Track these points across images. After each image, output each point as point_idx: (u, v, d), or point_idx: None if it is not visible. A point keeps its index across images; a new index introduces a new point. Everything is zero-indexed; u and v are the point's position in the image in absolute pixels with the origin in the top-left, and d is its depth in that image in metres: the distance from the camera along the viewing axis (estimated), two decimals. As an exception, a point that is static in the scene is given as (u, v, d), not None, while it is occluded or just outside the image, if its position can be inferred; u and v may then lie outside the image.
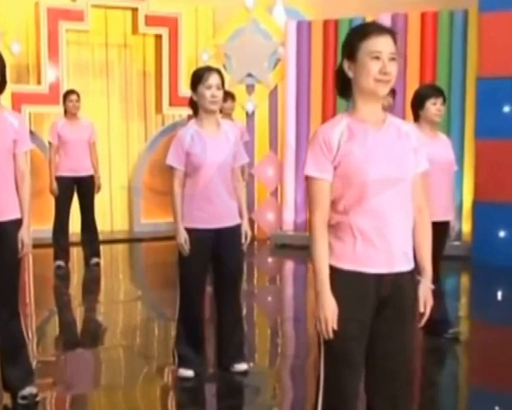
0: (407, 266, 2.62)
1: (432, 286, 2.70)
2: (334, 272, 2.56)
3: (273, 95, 9.99)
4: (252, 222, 9.89)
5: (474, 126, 8.32)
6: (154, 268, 8.55)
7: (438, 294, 5.23)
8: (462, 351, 5.34)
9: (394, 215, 2.55)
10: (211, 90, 4.21)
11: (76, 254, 8.25)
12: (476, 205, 8.21)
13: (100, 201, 8.75)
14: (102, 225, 9.44)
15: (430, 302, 2.68)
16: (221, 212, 4.29)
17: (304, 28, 9.56)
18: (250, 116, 9.98)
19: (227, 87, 9.16)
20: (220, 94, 4.25)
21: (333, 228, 2.59)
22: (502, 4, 7.92)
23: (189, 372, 4.45)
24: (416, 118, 5.08)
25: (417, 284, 2.66)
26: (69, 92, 7.85)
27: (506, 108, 7.97)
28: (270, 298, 7.15)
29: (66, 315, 6.35)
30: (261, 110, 10.01)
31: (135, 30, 10.01)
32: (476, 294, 7.32)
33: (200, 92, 4.23)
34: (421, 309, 2.67)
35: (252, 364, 4.81)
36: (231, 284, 4.47)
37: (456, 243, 8.21)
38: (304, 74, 9.52)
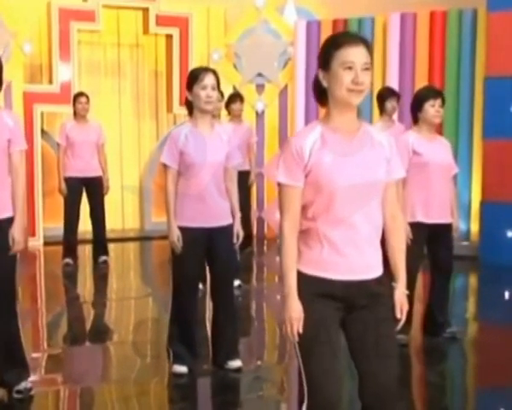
0: (374, 273, 2.62)
1: (406, 291, 2.70)
2: (302, 277, 2.58)
3: (283, 94, 10.01)
4: (261, 221, 9.96)
5: (482, 126, 8.32)
6: (164, 266, 8.56)
7: (446, 295, 5.30)
8: (470, 351, 5.36)
9: (362, 223, 2.56)
10: (206, 91, 4.25)
11: (86, 252, 8.33)
12: (484, 205, 8.20)
13: (111, 199, 8.81)
14: (114, 223, 9.53)
15: (406, 307, 2.68)
16: (213, 211, 4.33)
17: (313, 28, 9.60)
18: (260, 116, 10.02)
19: (237, 87, 9.25)
20: (215, 94, 4.30)
21: (302, 234, 2.61)
22: (510, 4, 7.89)
23: (183, 368, 4.49)
24: (416, 121, 5.07)
25: (392, 291, 2.66)
26: (78, 94, 7.92)
27: (514, 108, 7.96)
28: (279, 296, 7.19)
29: (74, 312, 6.41)
30: (271, 110, 10.05)
31: (146, 30, 10.05)
32: (484, 294, 7.32)
33: (196, 92, 4.27)
34: (398, 315, 2.67)
35: (259, 361, 4.88)
36: (223, 282, 4.52)
37: (464, 242, 8.24)
38: (313, 74, 9.45)
